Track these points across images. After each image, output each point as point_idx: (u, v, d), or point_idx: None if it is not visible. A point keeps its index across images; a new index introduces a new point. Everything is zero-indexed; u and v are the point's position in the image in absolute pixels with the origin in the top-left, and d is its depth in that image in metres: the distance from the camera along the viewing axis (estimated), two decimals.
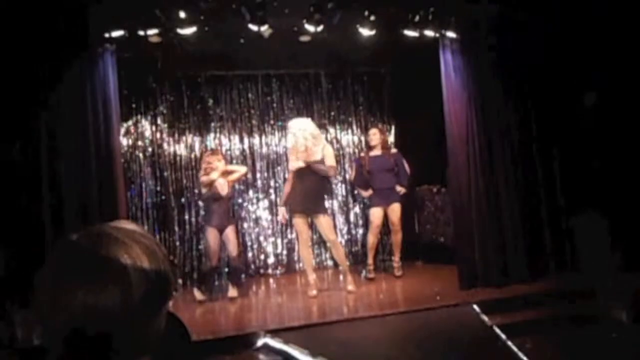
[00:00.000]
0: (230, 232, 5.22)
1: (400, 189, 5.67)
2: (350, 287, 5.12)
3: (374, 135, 5.81)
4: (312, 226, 5.34)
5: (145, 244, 0.77)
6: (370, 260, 5.76)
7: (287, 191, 5.17)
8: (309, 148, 4.94)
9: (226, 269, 6.00)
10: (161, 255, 0.79)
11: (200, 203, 6.10)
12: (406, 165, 5.79)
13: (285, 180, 6.76)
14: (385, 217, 5.69)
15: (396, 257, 5.84)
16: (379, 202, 5.64)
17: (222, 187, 5.20)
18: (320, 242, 6.64)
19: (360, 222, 7.02)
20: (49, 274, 0.74)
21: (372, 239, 5.69)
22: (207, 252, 5.32)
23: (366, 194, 5.77)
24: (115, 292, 0.71)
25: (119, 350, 0.73)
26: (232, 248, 5.22)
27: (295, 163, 4.99)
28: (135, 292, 0.73)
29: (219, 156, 5.40)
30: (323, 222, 5.03)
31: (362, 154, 6.01)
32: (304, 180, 4.98)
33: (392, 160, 5.72)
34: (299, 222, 5.07)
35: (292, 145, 5.09)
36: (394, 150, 5.98)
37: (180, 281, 6.23)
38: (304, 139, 4.93)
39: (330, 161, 5.05)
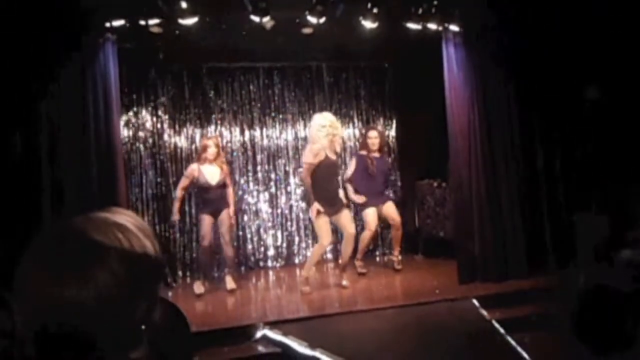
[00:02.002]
0: (225, 214, 5.13)
1: (389, 192, 5.70)
2: (345, 282, 5.10)
3: (376, 139, 5.64)
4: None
5: (119, 238, 0.76)
6: (360, 256, 5.68)
7: (310, 184, 4.90)
8: (332, 142, 4.91)
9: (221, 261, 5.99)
10: (140, 248, 0.77)
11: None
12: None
13: (286, 173, 6.79)
14: (380, 215, 5.63)
15: (396, 252, 5.83)
16: (374, 202, 5.55)
17: (213, 175, 5.13)
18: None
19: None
20: (22, 265, 0.74)
21: (367, 237, 5.57)
22: (200, 235, 5.22)
23: (359, 199, 5.54)
24: (80, 285, 0.70)
25: (104, 343, 0.71)
26: (225, 230, 5.11)
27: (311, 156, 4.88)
28: (101, 286, 0.71)
29: (216, 140, 5.32)
30: (347, 215, 5.02)
31: (363, 153, 5.73)
32: (329, 178, 4.91)
33: (389, 162, 5.75)
34: (326, 222, 4.89)
35: (318, 138, 4.89)
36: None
37: (180, 273, 6.24)
38: (331, 133, 4.87)
39: None
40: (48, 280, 0.71)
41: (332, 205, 4.91)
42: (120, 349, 0.74)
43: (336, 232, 5.54)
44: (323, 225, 4.88)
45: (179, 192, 5.20)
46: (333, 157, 5.01)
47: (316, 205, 4.79)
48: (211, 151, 5.12)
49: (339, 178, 5.13)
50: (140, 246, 0.77)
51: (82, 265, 0.72)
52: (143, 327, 0.76)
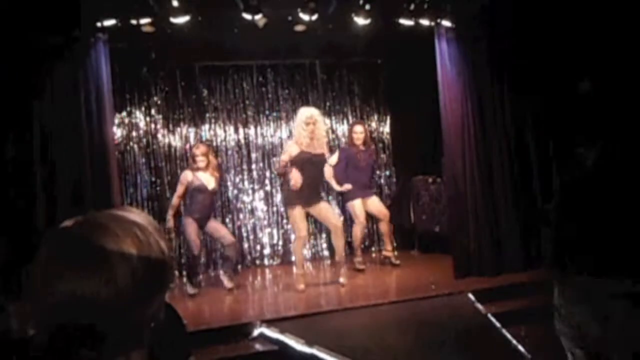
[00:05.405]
0: (215, 224, 5.22)
1: (373, 186, 5.78)
2: (342, 279, 5.06)
3: (361, 134, 5.64)
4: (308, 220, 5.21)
5: (139, 236, 0.76)
6: (358, 252, 5.72)
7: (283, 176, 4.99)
8: (315, 138, 4.82)
9: (220, 260, 6.00)
10: (157, 247, 0.78)
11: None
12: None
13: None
14: (366, 209, 5.66)
15: (389, 247, 5.83)
16: (359, 194, 5.56)
17: (209, 181, 5.13)
18: (315, 232, 6.66)
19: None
20: (40, 259, 0.73)
21: (359, 231, 5.62)
22: (188, 244, 5.20)
23: (345, 188, 5.53)
24: (100, 281, 0.70)
25: (107, 340, 0.72)
26: (225, 233, 5.19)
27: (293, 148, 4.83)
28: (120, 283, 0.71)
29: (204, 149, 5.21)
30: (327, 207, 4.96)
31: (349, 146, 5.74)
32: (309, 172, 4.81)
33: (374, 155, 5.78)
34: (301, 214, 4.85)
35: (299, 134, 4.85)
36: (372, 146, 5.98)
37: (175, 272, 6.23)
38: (312, 130, 4.78)
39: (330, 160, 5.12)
40: (69, 275, 0.70)
41: (307, 201, 4.84)
42: (124, 349, 0.74)
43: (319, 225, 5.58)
44: (296, 217, 4.85)
45: (175, 200, 5.17)
46: (313, 151, 4.84)
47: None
48: (199, 160, 5.10)
49: (321, 175, 5.00)
50: (157, 245, 0.78)
51: (105, 261, 0.72)
52: (144, 331, 0.76)
